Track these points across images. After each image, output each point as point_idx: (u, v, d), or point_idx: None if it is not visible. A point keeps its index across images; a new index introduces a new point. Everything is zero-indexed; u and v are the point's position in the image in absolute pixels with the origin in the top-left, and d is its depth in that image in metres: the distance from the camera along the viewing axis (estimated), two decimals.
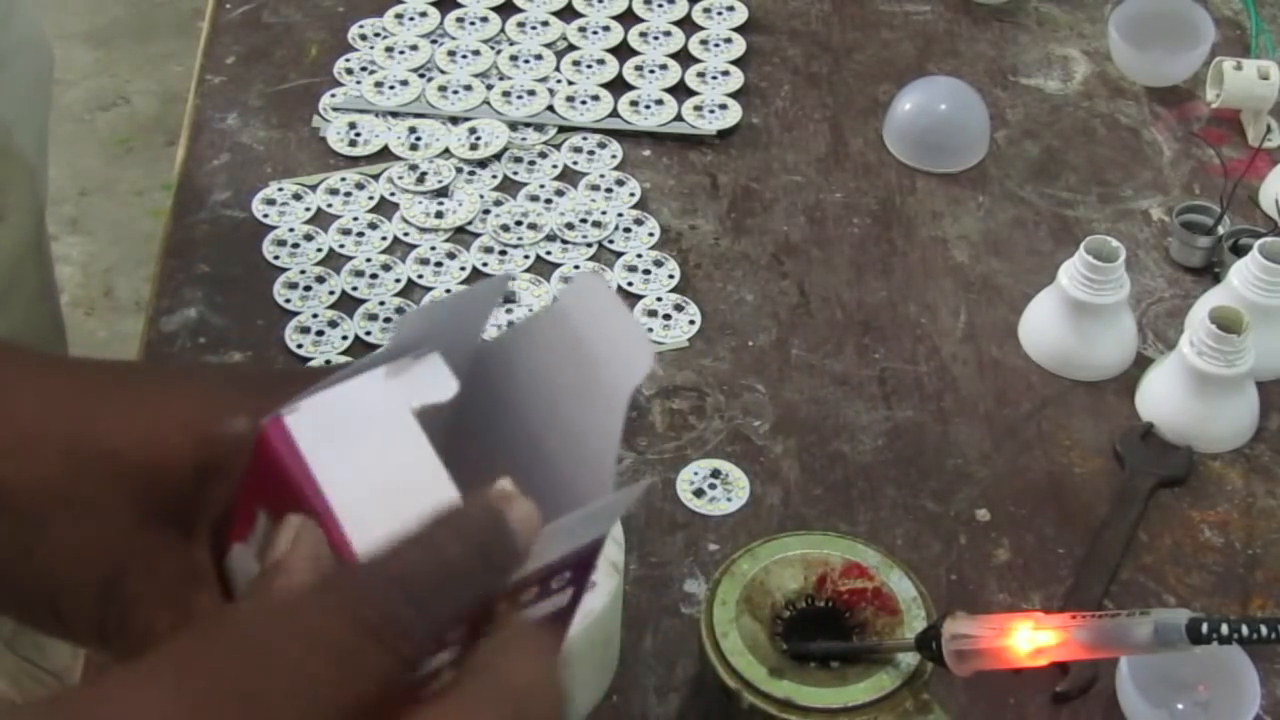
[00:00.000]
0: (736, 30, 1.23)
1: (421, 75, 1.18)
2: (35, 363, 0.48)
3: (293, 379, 0.47)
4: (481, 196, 1.09)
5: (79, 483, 0.46)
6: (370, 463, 0.44)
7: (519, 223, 1.08)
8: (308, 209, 1.08)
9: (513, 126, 1.14)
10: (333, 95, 1.16)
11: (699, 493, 0.92)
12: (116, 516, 0.46)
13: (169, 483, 0.46)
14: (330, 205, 1.08)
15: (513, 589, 0.43)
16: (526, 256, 1.06)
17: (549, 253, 1.06)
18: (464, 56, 1.20)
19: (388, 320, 1.01)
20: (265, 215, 1.08)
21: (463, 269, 1.04)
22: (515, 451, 0.49)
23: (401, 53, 1.20)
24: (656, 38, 1.22)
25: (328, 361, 0.98)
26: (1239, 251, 1.03)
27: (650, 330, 1.01)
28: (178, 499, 0.46)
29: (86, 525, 0.46)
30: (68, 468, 0.46)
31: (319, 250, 1.05)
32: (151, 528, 0.46)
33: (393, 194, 1.09)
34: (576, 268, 1.05)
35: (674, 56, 1.21)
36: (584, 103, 1.16)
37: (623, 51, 1.21)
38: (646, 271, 1.05)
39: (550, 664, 0.42)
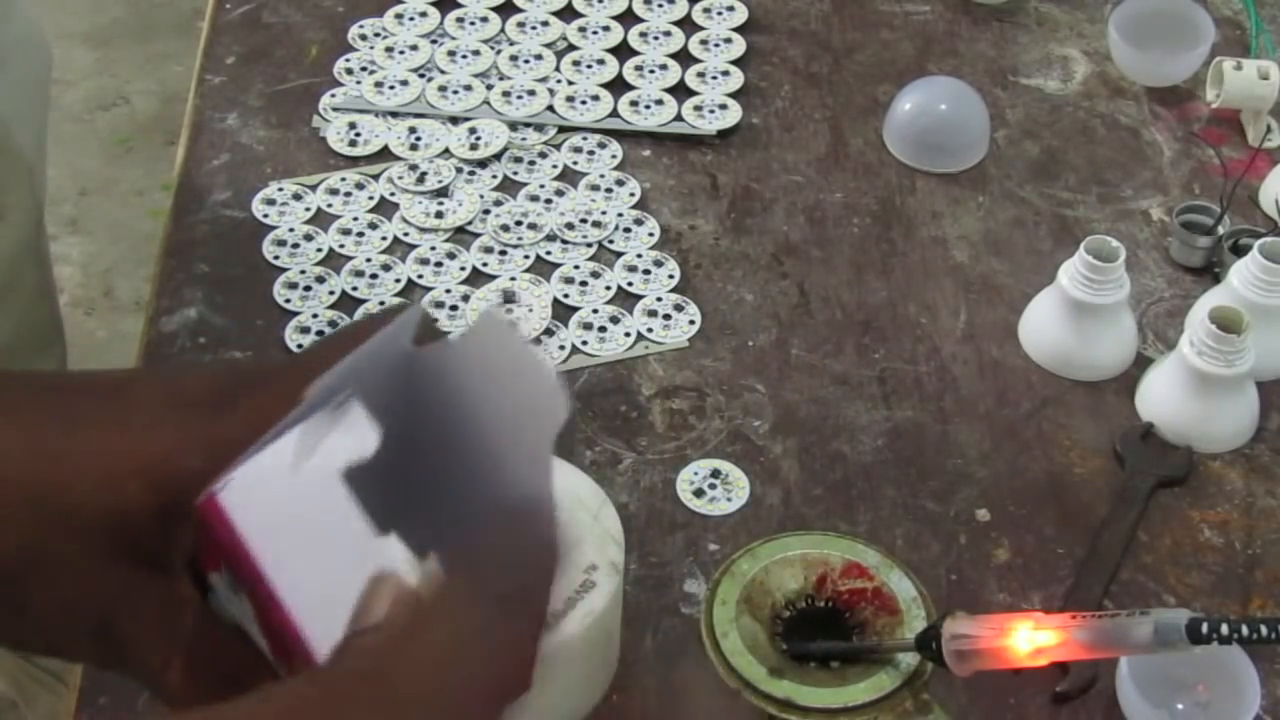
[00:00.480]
0: (736, 30, 1.23)
1: (421, 75, 1.18)
2: None
3: (242, 390, 0.48)
4: (481, 196, 1.09)
5: (49, 542, 0.46)
6: (304, 536, 0.45)
7: (519, 223, 1.08)
8: (308, 209, 1.08)
9: (513, 126, 1.14)
10: (333, 95, 1.16)
11: (699, 493, 0.92)
12: (92, 567, 0.46)
13: (133, 527, 0.46)
14: (330, 205, 1.08)
15: None
16: (526, 256, 1.06)
17: (549, 253, 1.06)
18: (464, 56, 1.20)
19: None
20: (265, 215, 1.08)
21: (463, 269, 1.04)
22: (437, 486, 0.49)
23: (401, 53, 1.20)
24: (656, 38, 1.22)
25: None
26: (1239, 251, 1.03)
27: (650, 330, 1.01)
28: (145, 540, 0.46)
29: (67, 580, 0.46)
30: (35, 530, 0.46)
31: (319, 250, 1.05)
32: (127, 569, 0.46)
33: (393, 194, 1.09)
34: (577, 267, 1.05)
35: (674, 56, 1.21)
36: (584, 103, 1.16)
37: (623, 51, 1.21)
38: (646, 271, 1.05)
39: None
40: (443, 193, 1.10)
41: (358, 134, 1.13)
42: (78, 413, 0.48)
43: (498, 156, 1.12)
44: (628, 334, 1.01)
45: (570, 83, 1.18)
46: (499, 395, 0.47)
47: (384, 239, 1.06)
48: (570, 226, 1.07)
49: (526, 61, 1.19)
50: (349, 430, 0.46)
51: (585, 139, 1.14)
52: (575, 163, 1.12)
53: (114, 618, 0.47)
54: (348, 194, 1.09)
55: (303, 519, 0.45)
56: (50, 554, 0.46)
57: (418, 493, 0.48)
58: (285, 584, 0.44)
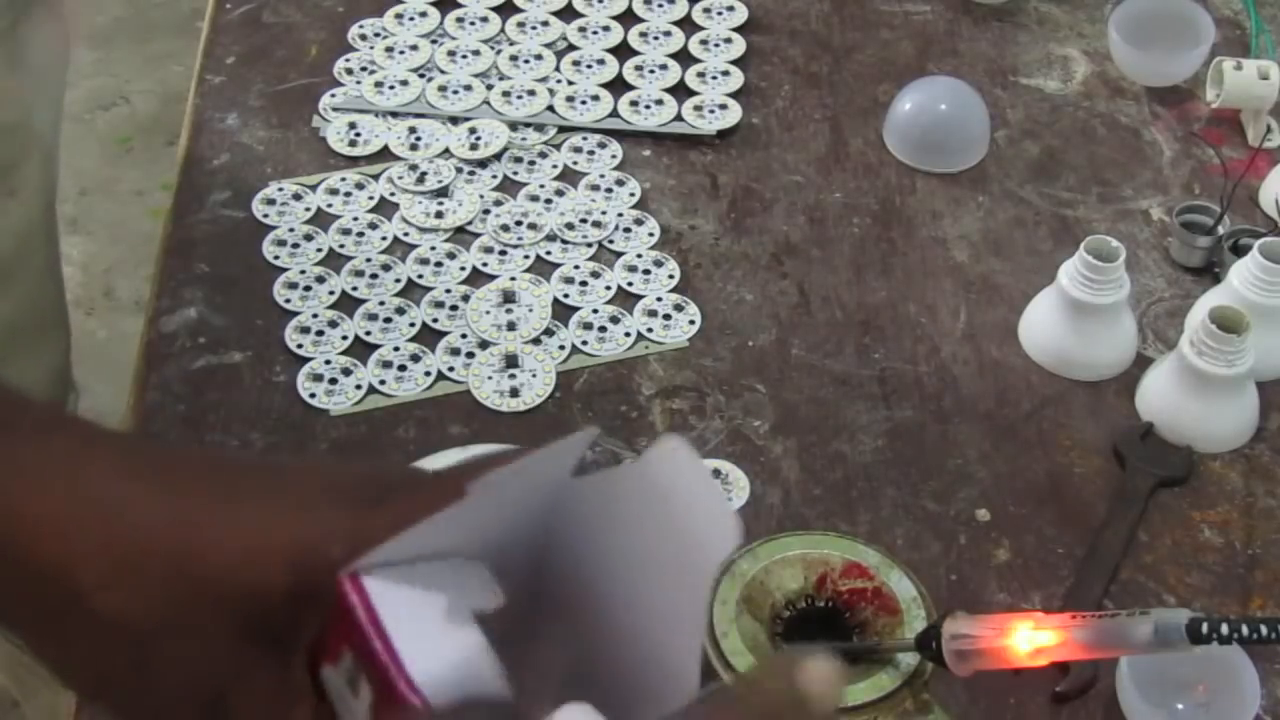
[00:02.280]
0: (736, 30, 1.23)
1: (421, 75, 1.18)
2: (132, 468, 0.49)
3: (393, 489, 0.48)
4: (481, 196, 1.09)
5: (181, 609, 0.46)
6: (439, 644, 0.45)
7: (519, 223, 1.08)
8: (308, 209, 1.08)
9: (513, 126, 1.14)
10: (333, 95, 1.16)
11: None
12: (217, 638, 0.47)
13: (266, 607, 0.47)
14: (330, 205, 1.08)
15: None
16: (526, 256, 1.06)
17: (549, 253, 1.06)
18: (464, 56, 1.20)
19: (388, 320, 1.01)
20: (265, 215, 1.08)
21: (463, 269, 1.04)
22: (593, 616, 0.49)
23: (401, 53, 1.20)
24: (656, 38, 1.22)
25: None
26: (1239, 251, 1.03)
27: (650, 330, 1.01)
28: (274, 620, 0.47)
29: (190, 646, 0.47)
30: (169, 596, 0.46)
31: (319, 250, 1.05)
32: (250, 647, 0.47)
33: (393, 194, 1.09)
34: (577, 267, 1.05)
35: (674, 56, 1.21)
36: (584, 103, 1.16)
37: (623, 51, 1.21)
38: (646, 271, 1.05)
39: None
40: (443, 193, 1.10)
41: (358, 134, 1.13)
42: (232, 488, 0.49)
43: (498, 156, 1.12)
44: (628, 334, 1.01)
45: (570, 83, 1.18)
46: (666, 529, 0.47)
47: (384, 239, 1.06)
48: (570, 226, 1.07)
49: (526, 61, 1.19)
50: (477, 581, 0.46)
51: (585, 139, 1.14)
52: (575, 163, 1.12)
53: (228, 694, 0.47)
54: (348, 194, 1.09)
55: (438, 630, 0.45)
56: (182, 619, 0.46)
57: (548, 644, 0.48)
58: (418, 671, 0.44)
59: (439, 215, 1.08)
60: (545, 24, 1.23)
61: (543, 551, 0.49)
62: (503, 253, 1.06)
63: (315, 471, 0.50)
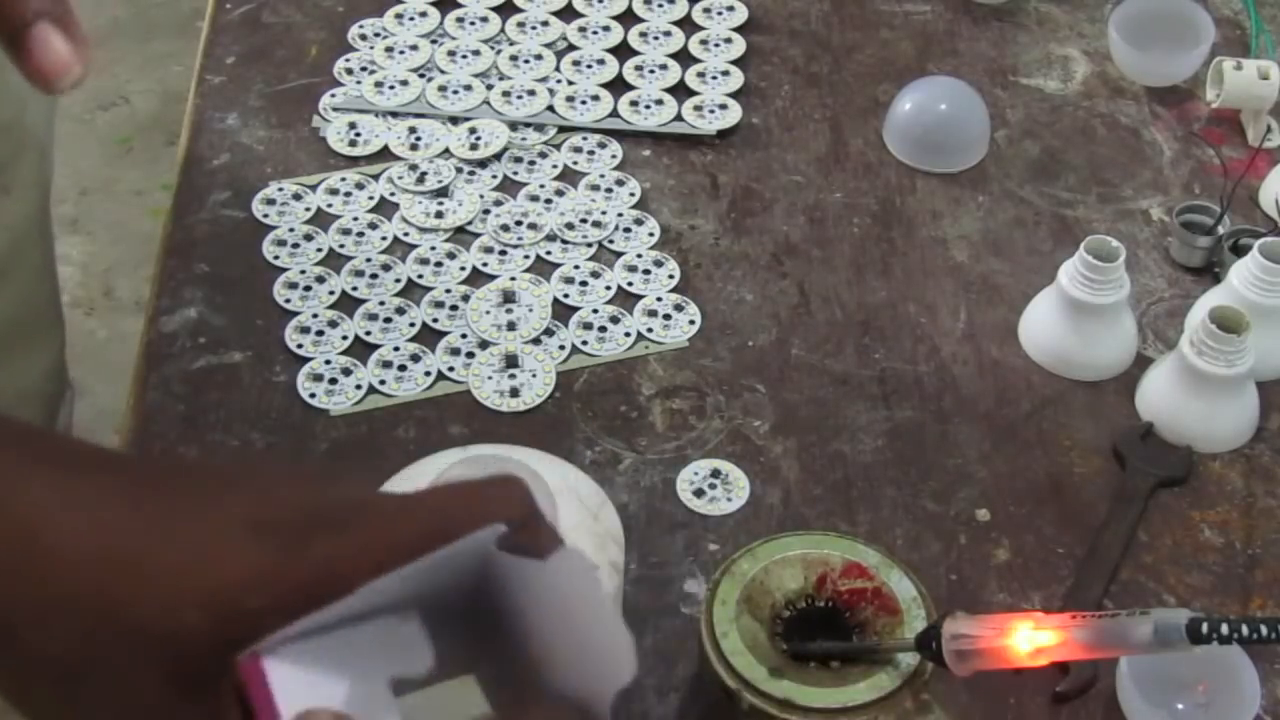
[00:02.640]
0: (736, 30, 1.23)
1: (421, 75, 1.18)
2: (67, 497, 0.48)
3: (322, 529, 0.48)
4: (481, 196, 1.09)
5: (106, 652, 0.47)
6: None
7: (519, 223, 1.08)
8: (308, 209, 1.08)
9: (513, 126, 1.14)
10: (333, 95, 1.16)
11: (699, 493, 0.92)
12: (144, 683, 0.47)
13: (188, 654, 0.46)
14: (330, 205, 1.08)
15: None
16: (526, 256, 1.06)
17: (549, 253, 1.06)
18: (464, 56, 1.20)
19: (388, 320, 1.01)
20: (265, 215, 1.08)
21: (463, 269, 1.04)
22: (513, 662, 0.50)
23: (401, 53, 1.20)
24: (656, 38, 1.22)
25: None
26: (1239, 251, 1.03)
27: (650, 330, 1.01)
28: (200, 667, 0.47)
29: (118, 689, 0.47)
30: (95, 639, 0.47)
31: (319, 250, 1.05)
32: (178, 693, 0.47)
33: (393, 194, 1.09)
34: (577, 267, 1.05)
35: (674, 56, 1.21)
36: (584, 103, 1.16)
37: (623, 51, 1.21)
38: (646, 271, 1.05)
39: None
40: (443, 193, 1.10)
41: (358, 134, 1.13)
42: (162, 520, 0.48)
43: (498, 156, 1.12)
44: (628, 334, 1.01)
45: (570, 83, 1.18)
46: (565, 634, 0.48)
47: (384, 239, 1.06)
48: (570, 226, 1.07)
49: (526, 61, 1.19)
50: (408, 643, 0.46)
51: (585, 139, 1.14)
52: (575, 163, 1.12)
53: None
54: (348, 194, 1.09)
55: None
56: (108, 664, 0.46)
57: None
58: None
59: (439, 215, 1.08)
60: (545, 24, 1.23)
61: (476, 592, 0.50)
62: (503, 253, 1.06)
63: (246, 499, 0.49)
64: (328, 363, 0.98)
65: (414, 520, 0.48)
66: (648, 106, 1.16)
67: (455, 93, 1.16)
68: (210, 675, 0.47)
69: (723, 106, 1.16)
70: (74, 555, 0.47)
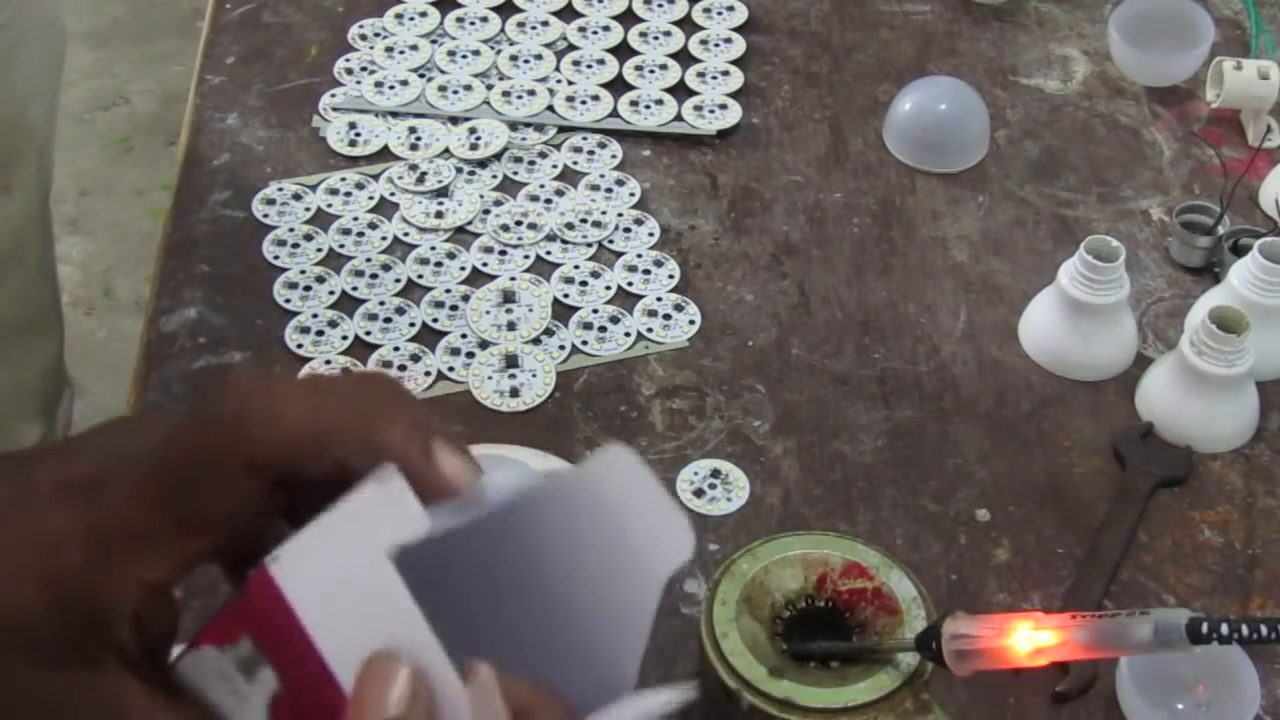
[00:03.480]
0: (736, 30, 1.23)
1: (421, 75, 1.18)
2: None
3: (125, 470, 0.47)
4: (481, 196, 1.09)
5: None
6: (355, 618, 0.44)
7: (519, 223, 1.08)
8: (308, 209, 1.08)
9: (513, 126, 1.14)
10: (333, 95, 1.16)
11: (699, 493, 0.92)
12: (14, 675, 0.46)
13: (42, 630, 0.46)
14: (330, 205, 1.08)
15: None
16: (526, 256, 1.06)
17: (549, 253, 1.06)
18: (464, 56, 1.20)
19: (388, 320, 1.01)
20: (265, 215, 1.08)
21: (463, 269, 1.04)
22: (536, 616, 0.49)
23: (401, 53, 1.20)
24: (656, 38, 1.22)
25: (327, 361, 0.98)
26: (1239, 251, 1.03)
27: (650, 330, 1.01)
28: (60, 638, 0.46)
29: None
30: None
31: (319, 250, 1.05)
32: (48, 668, 0.46)
33: (393, 194, 1.09)
34: (577, 267, 1.05)
35: (674, 56, 1.21)
36: (584, 103, 1.16)
37: (623, 51, 1.21)
38: (646, 271, 1.05)
39: None
40: (443, 193, 1.10)
41: (358, 134, 1.13)
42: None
43: (498, 156, 1.12)
44: (628, 334, 1.01)
45: (570, 83, 1.18)
46: (612, 540, 0.47)
47: (384, 239, 1.06)
48: (570, 226, 1.07)
49: (526, 61, 1.19)
50: (396, 506, 0.45)
51: (585, 139, 1.14)
52: (575, 163, 1.12)
53: (62, 718, 0.46)
54: (348, 194, 1.09)
55: (352, 603, 0.44)
56: None
57: (486, 614, 0.48)
58: (337, 662, 0.44)
59: (439, 215, 1.08)
60: (545, 24, 1.23)
61: (496, 541, 0.49)
62: (503, 253, 1.06)
63: (49, 466, 0.48)
64: (328, 362, 0.98)
65: (176, 437, 0.47)
66: (648, 106, 1.16)
67: (455, 93, 1.16)
68: (73, 641, 0.46)
69: (723, 106, 1.16)
70: None
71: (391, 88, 1.17)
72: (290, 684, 0.45)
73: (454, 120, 1.15)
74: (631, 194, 1.10)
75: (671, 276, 1.05)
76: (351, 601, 0.44)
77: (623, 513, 0.47)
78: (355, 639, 0.44)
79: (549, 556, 0.48)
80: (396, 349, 0.99)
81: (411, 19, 1.23)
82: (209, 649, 0.46)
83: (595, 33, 1.22)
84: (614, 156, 1.13)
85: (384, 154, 1.12)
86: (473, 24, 1.23)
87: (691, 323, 1.02)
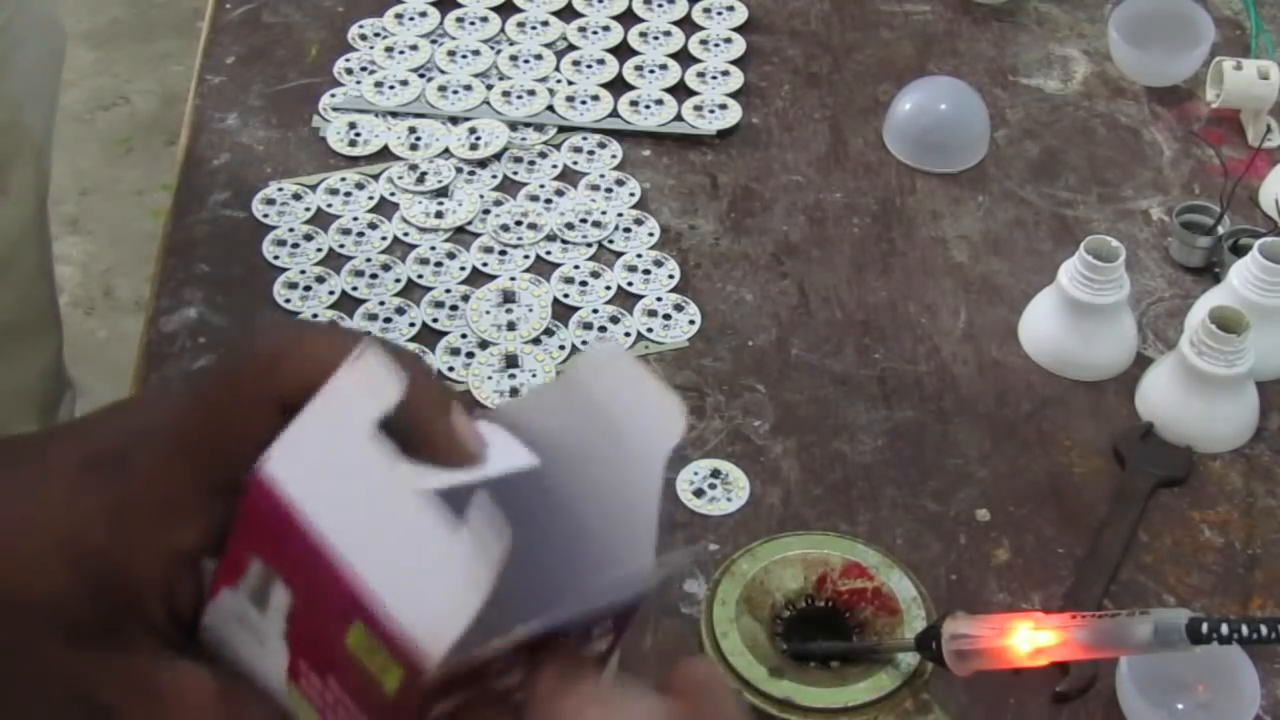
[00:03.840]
0: (736, 30, 1.23)
1: (421, 75, 1.18)
2: None
3: (147, 446, 0.47)
4: (481, 196, 1.09)
5: None
6: (352, 501, 0.43)
7: (519, 223, 1.08)
8: (308, 209, 1.08)
9: (513, 126, 1.14)
10: (333, 95, 1.16)
11: (699, 493, 0.92)
12: (48, 655, 0.46)
13: (73, 608, 0.46)
14: (330, 205, 1.08)
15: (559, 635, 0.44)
16: (526, 256, 1.06)
17: (549, 253, 1.06)
18: (464, 56, 1.20)
19: (388, 320, 1.01)
20: (265, 215, 1.08)
21: (463, 269, 1.04)
22: (544, 521, 0.48)
23: (401, 53, 1.20)
24: (656, 38, 1.22)
25: None
26: (1239, 251, 1.03)
27: (650, 330, 1.01)
28: (87, 615, 0.46)
29: (27, 672, 0.46)
30: None
31: (319, 250, 1.05)
32: (82, 648, 0.46)
33: (393, 194, 1.09)
34: (577, 267, 1.05)
35: (674, 56, 1.21)
36: (584, 103, 1.16)
37: (623, 51, 1.21)
38: (646, 271, 1.05)
39: (597, 694, 0.45)
40: (443, 193, 1.10)
41: (358, 134, 1.13)
42: (3, 496, 0.47)
43: (498, 156, 1.12)
44: (628, 334, 1.01)
45: (570, 83, 1.18)
46: (609, 433, 0.47)
47: (384, 239, 1.06)
48: (570, 226, 1.07)
49: (526, 61, 1.19)
50: (376, 383, 0.44)
51: (585, 139, 1.14)
52: (575, 163, 1.12)
53: (94, 696, 0.46)
54: (348, 194, 1.09)
55: (350, 484, 0.43)
56: (3, 652, 0.46)
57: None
58: (349, 554, 0.42)
59: (439, 215, 1.08)
60: (545, 24, 1.23)
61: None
62: (503, 253, 1.06)
63: (69, 444, 0.48)
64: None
65: (205, 391, 0.47)
66: (648, 106, 1.16)
67: (455, 93, 1.16)
68: (103, 618, 0.46)
69: (723, 106, 1.16)
70: None
71: (391, 88, 1.17)
72: (302, 591, 0.44)
73: (454, 120, 1.15)
74: (631, 194, 1.10)
75: (671, 276, 1.05)
76: (347, 486, 0.43)
77: (614, 408, 0.47)
78: (357, 523, 0.43)
79: (550, 471, 0.48)
80: None
81: (411, 19, 1.23)
82: (225, 592, 0.46)
83: (595, 33, 1.22)
84: (614, 156, 1.13)
85: (384, 154, 1.12)
86: (473, 24, 1.23)
87: (691, 323, 1.02)
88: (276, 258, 1.05)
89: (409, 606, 0.41)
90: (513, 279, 1.04)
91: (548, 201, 1.09)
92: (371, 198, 1.09)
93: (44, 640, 0.46)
